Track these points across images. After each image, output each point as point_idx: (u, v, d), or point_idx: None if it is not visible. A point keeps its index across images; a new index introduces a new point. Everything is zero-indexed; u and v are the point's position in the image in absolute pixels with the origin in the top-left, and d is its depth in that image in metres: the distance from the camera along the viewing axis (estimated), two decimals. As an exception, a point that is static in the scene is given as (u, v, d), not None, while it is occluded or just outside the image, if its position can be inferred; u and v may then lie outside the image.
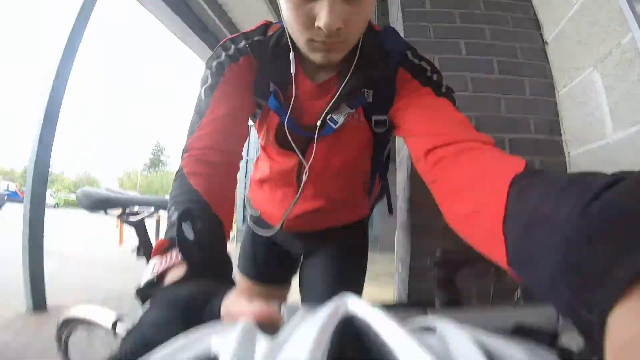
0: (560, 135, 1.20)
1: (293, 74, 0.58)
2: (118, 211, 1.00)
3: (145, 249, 0.96)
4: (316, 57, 0.53)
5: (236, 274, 0.90)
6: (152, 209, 1.00)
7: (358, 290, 0.87)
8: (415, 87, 0.56)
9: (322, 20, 0.46)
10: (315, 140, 0.60)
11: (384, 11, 3.11)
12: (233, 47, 0.60)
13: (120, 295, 3.25)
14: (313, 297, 0.83)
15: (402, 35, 1.34)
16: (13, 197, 21.95)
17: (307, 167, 0.64)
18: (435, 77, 0.57)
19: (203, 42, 3.95)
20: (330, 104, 0.58)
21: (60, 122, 1.96)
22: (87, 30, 2.06)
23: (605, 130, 0.96)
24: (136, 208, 1.00)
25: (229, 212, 0.50)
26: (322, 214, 0.75)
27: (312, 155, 0.62)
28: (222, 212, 0.46)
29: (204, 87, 0.58)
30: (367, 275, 0.91)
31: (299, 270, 0.92)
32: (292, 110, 0.60)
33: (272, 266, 0.89)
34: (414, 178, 1.20)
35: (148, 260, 0.90)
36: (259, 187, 0.80)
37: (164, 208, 0.98)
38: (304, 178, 0.64)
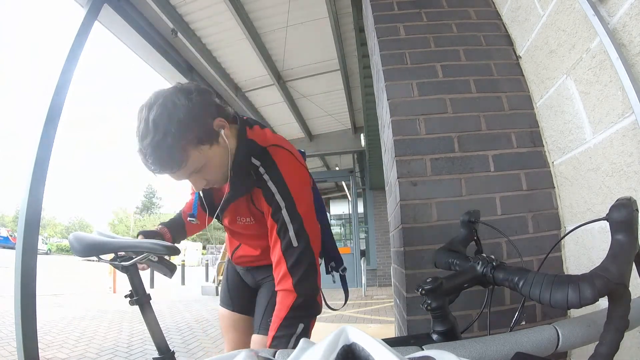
0: (543, 146, 1.23)
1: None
2: (110, 256, 0.97)
3: (138, 295, 0.93)
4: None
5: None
6: (145, 253, 0.97)
7: None
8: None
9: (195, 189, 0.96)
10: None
11: (362, 41, 3.25)
12: None
13: (115, 347, 3.11)
14: (259, 312, 1.14)
15: (380, 63, 1.40)
16: (4, 242, 21.21)
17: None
18: None
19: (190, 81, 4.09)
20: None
21: (52, 165, 1.94)
22: (77, 71, 2.09)
23: (585, 136, 0.99)
24: (129, 252, 0.97)
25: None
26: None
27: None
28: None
29: None
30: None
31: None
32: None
33: (238, 291, 1.21)
34: (405, 205, 1.20)
35: (142, 307, 0.88)
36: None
37: (157, 252, 0.95)
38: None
